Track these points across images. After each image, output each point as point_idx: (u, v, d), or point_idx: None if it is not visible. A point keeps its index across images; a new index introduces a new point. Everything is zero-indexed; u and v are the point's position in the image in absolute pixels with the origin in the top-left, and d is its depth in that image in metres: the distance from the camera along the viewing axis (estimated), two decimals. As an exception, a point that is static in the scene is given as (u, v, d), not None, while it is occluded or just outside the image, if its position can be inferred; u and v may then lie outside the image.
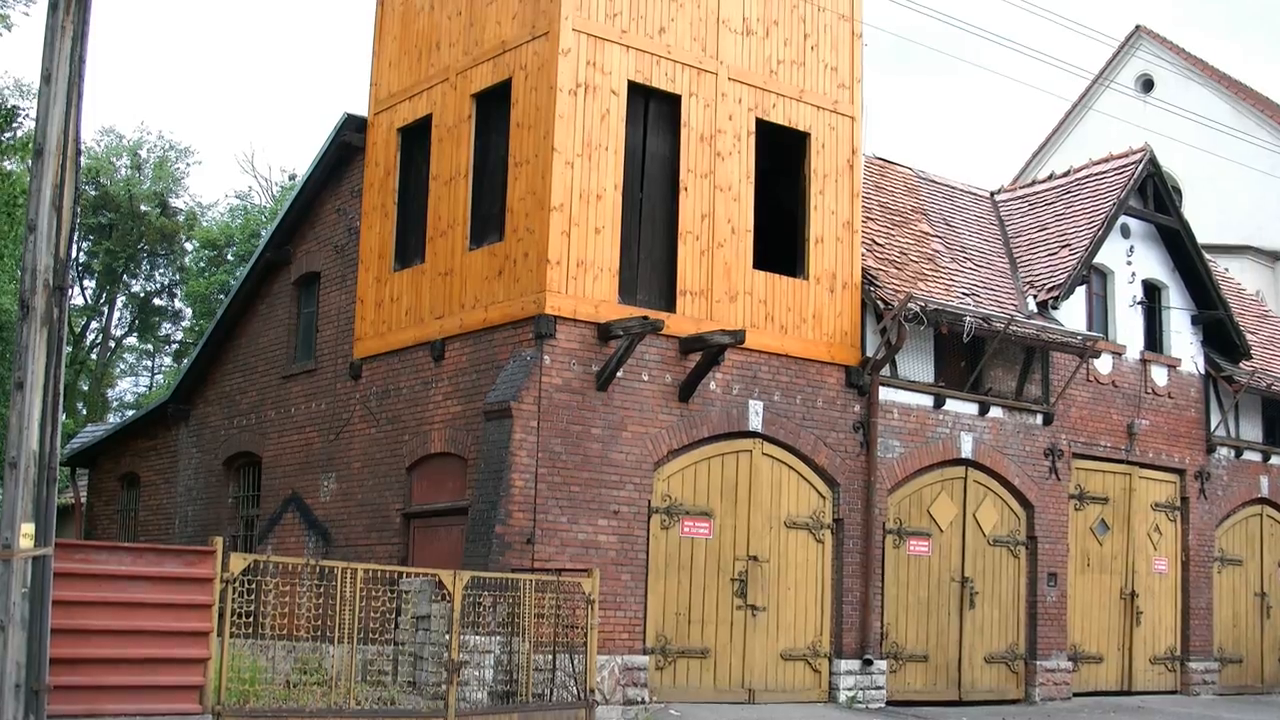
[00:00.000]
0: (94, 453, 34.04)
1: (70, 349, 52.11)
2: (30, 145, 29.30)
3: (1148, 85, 46.49)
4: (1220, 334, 30.55)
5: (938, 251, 27.36)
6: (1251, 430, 31.73)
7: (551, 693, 19.09)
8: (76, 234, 14.11)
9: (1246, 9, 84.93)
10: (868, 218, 26.23)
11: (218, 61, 79.50)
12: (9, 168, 34.75)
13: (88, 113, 14.64)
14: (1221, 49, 78.62)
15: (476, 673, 18.66)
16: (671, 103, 22.55)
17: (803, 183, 24.04)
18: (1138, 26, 47.13)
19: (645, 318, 20.84)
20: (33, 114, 34.29)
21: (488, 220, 22.50)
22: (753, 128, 23.29)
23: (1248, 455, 31.38)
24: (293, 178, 54.18)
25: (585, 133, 21.36)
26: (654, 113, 22.49)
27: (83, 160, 15.69)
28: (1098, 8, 79.76)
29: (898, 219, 27.60)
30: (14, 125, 36.21)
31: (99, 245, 55.55)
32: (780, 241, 23.95)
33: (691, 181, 22.43)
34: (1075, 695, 27.02)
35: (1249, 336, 31.53)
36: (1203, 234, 34.10)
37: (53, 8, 14.36)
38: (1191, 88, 45.08)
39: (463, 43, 23.47)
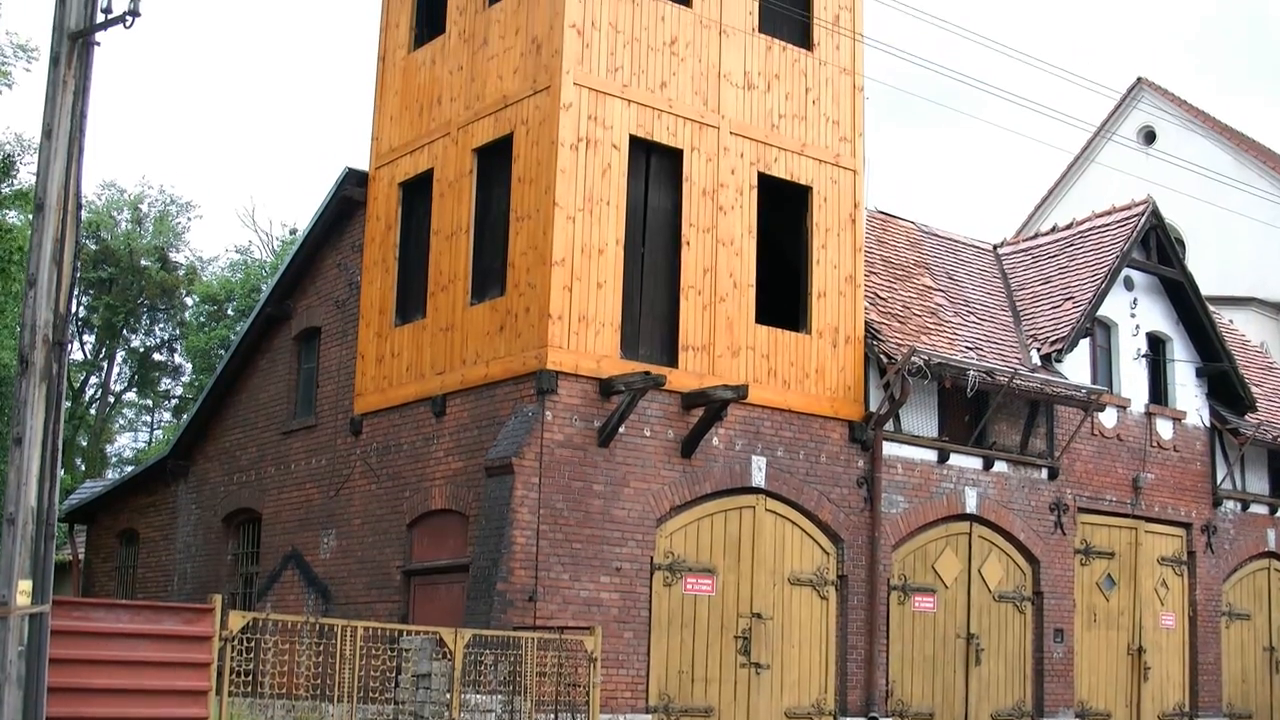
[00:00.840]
0: (92, 509, 33.86)
1: (69, 404, 52.00)
2: (30, 198, 29.32)
3: (1150, 137, 46.50)
4: (1225, 386, 30.41)
5: (941, 305, 27.26)
6: (1258, 483, 31.55)
7: (554, 753, 18.90)
8: (76, 289, 14.00)
9: (1247, 61, 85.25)
10: (870, 271, 26.14)
11: (219, 115, 79.75)
12: (10, 220, 34.70)
13: (89, 167, 14.54)
14: (1223, 101, 78.91)
15: (478, 732, 18.47)
16: (673, 157, 22.50)
17: (805, 236, 23.97)
18: (1139, 79, 47.17)
19: (647, 373, 20.73)
20: (33, 167, 34.30)
21: (489, 275, 22.42)
22: (755, 182, 23.24)
23: (1254, 508, 31.20)
24: (293, 232, 54.15)
25: (587, 187, 21.30)
26: (656, 167, 22.43)
27: (83, 214, 15.61)
28: (1099, 61, 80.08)
29: (900, 273, 27.51)
30: (13, 175, 36.21)
31: (99, 300, 55.47)
32: (783, 295, 23.87)
33: (693, 236, 22.36)
34: (1083, 752, 26.80)
35: (1254, 388, 31.38)
36: (1206, 285, 34.02)
37: (54, 62, 14.30)
38: (1193, 139, 45.08)
39: (464, 97, 23.44)
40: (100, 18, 14.70)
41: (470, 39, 23.57)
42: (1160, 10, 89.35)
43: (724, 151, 22.92)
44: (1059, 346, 27.04)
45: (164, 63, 78.52)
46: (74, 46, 14.50)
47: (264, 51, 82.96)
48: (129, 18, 14.60)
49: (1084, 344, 27.87)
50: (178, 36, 79.17)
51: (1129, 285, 29.15)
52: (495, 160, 22.69)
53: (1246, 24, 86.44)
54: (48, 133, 13.99)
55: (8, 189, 36.39)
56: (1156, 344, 29.82)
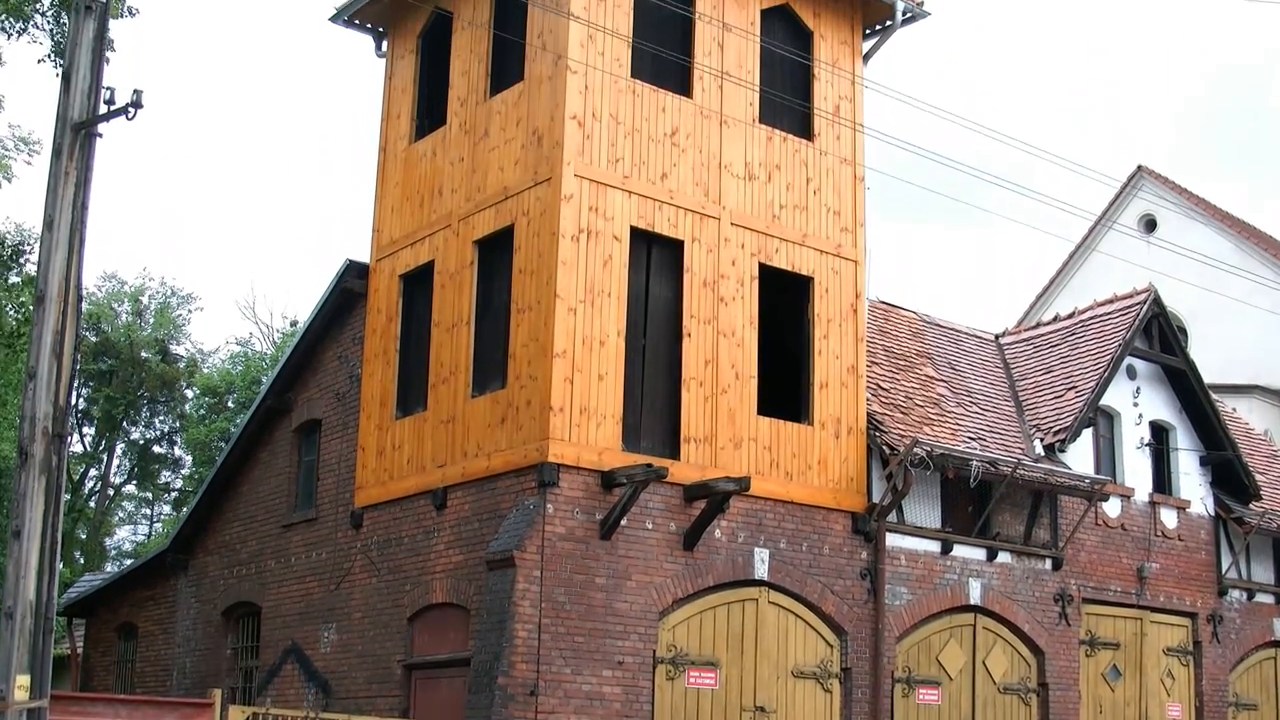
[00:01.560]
0: (91, 602, 33.62)
1: (68, 497, 51.81)
2: (31, 288, 29.27)
3: (1150, 225, 46.58)
4: (1229, 474, 30.28)
5: (943, 395, 27.20)
6: (1263, 572, 31.35)
7: None
8: (76, 381, 13.98)
9: (1246, 149, 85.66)
10: (872, 362, 26.09)
11: (220, 207, 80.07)
12: (10, 311, 34.68)
13: (90, 258, 14.58)
14: (1221, 187, 79.22)
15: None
16: (674, 248, 22.51)
17: (807, 327, 23.94)
18: (1139, 167, 47.30)
19: (649, 465, 20.65)
20: (33, 258, 34.30)
21: (490, 367, 22.37)
22: (756, 272, 23.24)
23: (1260, 598, 30.99)
24: (294, 324, 54.23)
25: (588, 278, 21.30)
26: (656, 258, 22.44)
27: (84, 306, 15.61)
28: (1099, 149, 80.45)
29: (902, 363, 27.47)
30: (20, 264, 36.20)
31: (99, 392, 55.44)
32: (784, 386, 23.80)
33: (695, 327, 22.33)
34: (1091, 847, 26.47)
35: (1259, 477, 31.24)
36: (1209, 373, 33.95)
37: (56, 154, 14.37)
38: (1194, 227, 45.15)
39: (465, 189, 23.48)
40: (103, 109, 14.79)
41: (471, 130, 23.65)
42: (1158, 98, 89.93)
43: (725, 242, 22.93)
44: (1062, 436, 26.96)
45: (164, 154, 78.95)
46: (76, 138, 14.60)
47: (265, 143, 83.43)
48: (131, 109, 14.70)
49: (1087, 433, 27.78)
50: (178, 128, 79.65)
51: (1131, 374, 29.10)
52: (496, 252, 22.70)
53: (1242, 110, 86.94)
54: (49, 224, 14.05)
55: (14, 279, 36.37)
56: (1160, 433, 29.73)
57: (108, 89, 14.97)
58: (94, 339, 54.19)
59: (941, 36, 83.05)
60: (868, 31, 25.90)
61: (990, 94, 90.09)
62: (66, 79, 15.02)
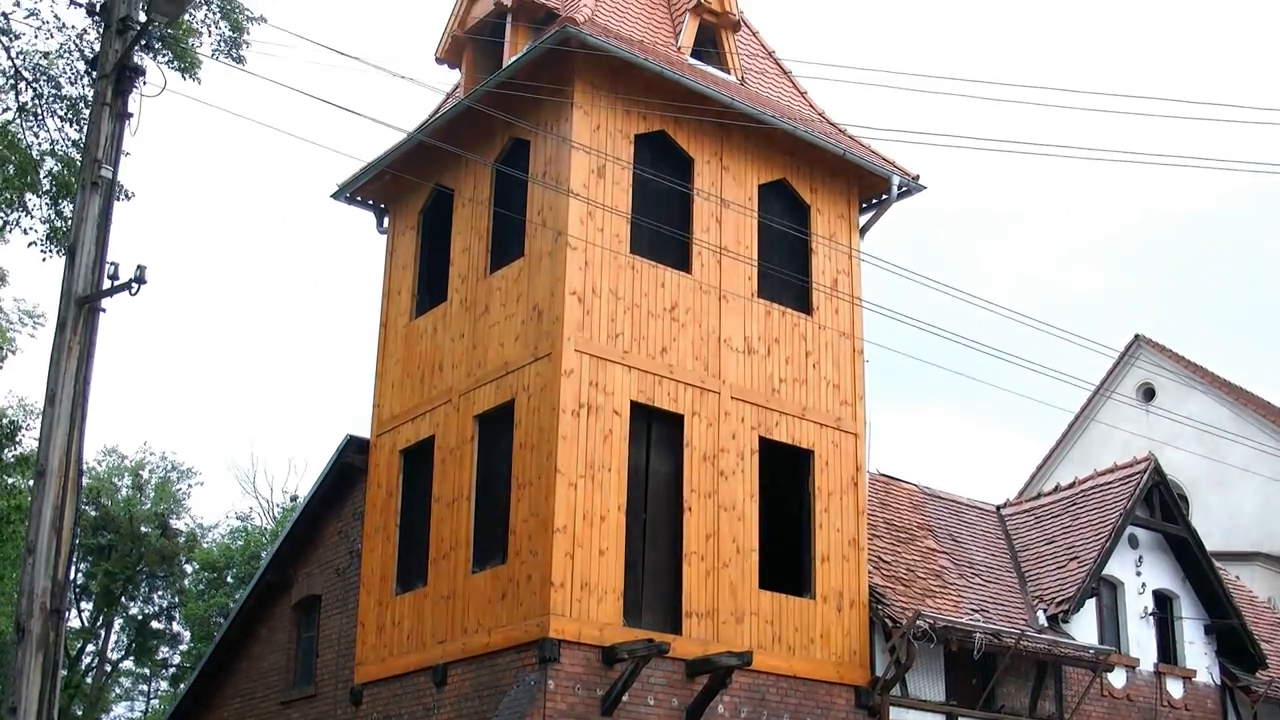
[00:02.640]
0: (87, 782, 33.25)
1: (65, 672, 51.33)
2: (30, 462, 29.26)
3: (1149, 394, 46.66)
4: (1234, 643, 30.05)
5: (945, 567, 27.10)
6: (1272, 743, 31.03)
7: None
8: (75, 555, 13.95)
9: (1243, 317, 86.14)
10: (874, 535, 26.02)
11: (221, 382, 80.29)
12: (9, 482, 34.68)
13: (90, 432, 14.60)
14: (1220, 356, 79.55)
15: None
16: (674, 422, 22.56)
17: (807, 500, 23.92)
18: (1137, 336, 47.48)
19: (651, 640, 20.53)
20: (34, 432, 34.31)
21: (490, 542, 22.31)
22: (756, 446, 23.27)
23: (1269, 769, 30.64)
24: (294, 499, 54.15)
25: (588, 453, 21.32)
26: (657, 432, 22.48)
27: (84, 481, 15.63)
28: (1096, 321, 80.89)
29: (904, 535, 27.40)
30: (17, 441, 36.23)
31: (97, 566, 55.15)
32: (786, 559, 23.71)
33: (695, 501, 22.31)
34: None
35: (1264, 644, 31.03)
36: (1211, 541, 33.86)
37: (60, 328, 14.45)
38: (1193, 395, 45.23)
39: (465, 364, 23.59)
40: (107, 284, 14.91)
41: (472, 306, 23.82)
42: (1155, 267, 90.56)
43: (725, 416, 23.00)
44: (1065, 607, 26.82)
45: (166, 328, 79.32)
46: (80, 313, 14.69)
47: (266, 318, 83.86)
48: (135, 285, 14.81)
49: (1090, 604, 27.62)
50: (180, 302, 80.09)
51: (1134, 543, 29.02)
52: (497, 427, 22.75)
53: (1237, 278, 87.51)
54: (51, 398, 14.09)
55: (10, 455, 36.39)
56: (1164, 602, 29.57)
57: (111, 264, 15.11)
58: (94, 513, 54.03)
59: (938, 205, 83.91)
60: (864, 205, 26.23)
61: (988, 261, 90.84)
62: (71, 254, 15.16)
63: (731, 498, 22.72)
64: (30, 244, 22.58)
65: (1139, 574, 29.02)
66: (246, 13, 22.04)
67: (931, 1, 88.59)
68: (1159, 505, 29.60)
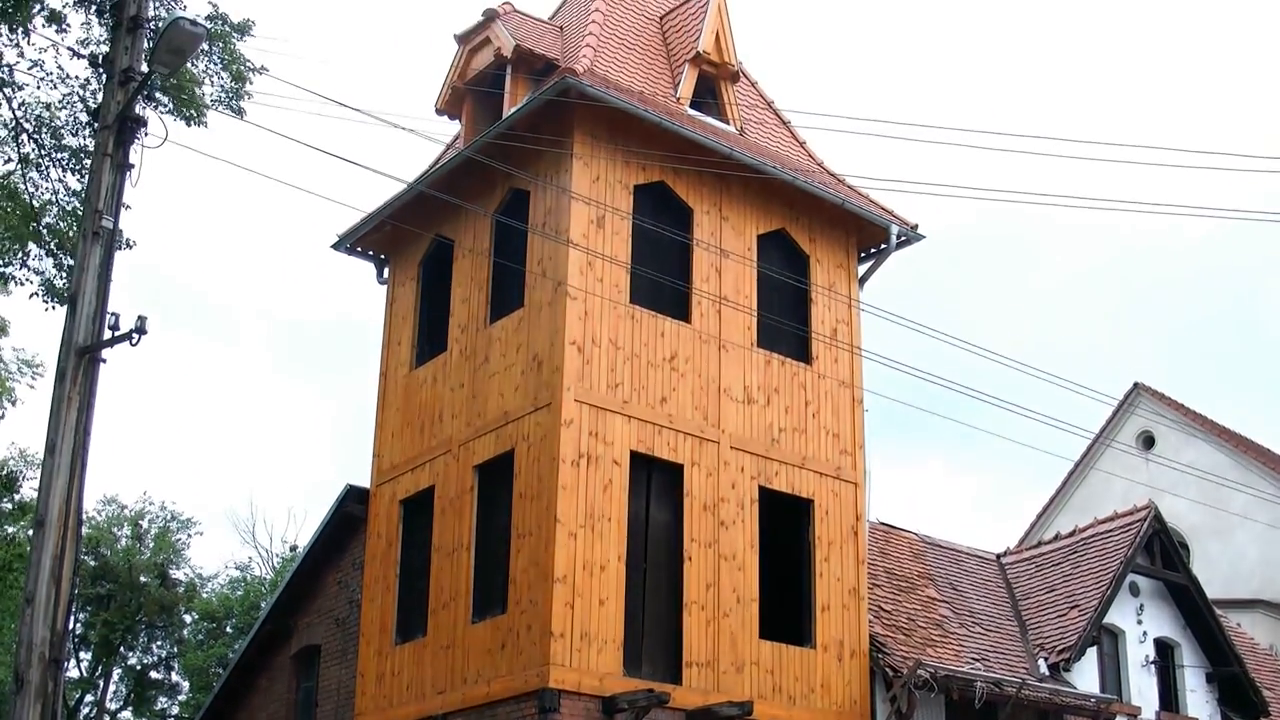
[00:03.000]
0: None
1: (65, 723, 51.14)
2: (29, 512, 29.27)
3: (1149, 442, 46.66)
4: (1236, 690, 29.99)
5: (946, 616, 27.05)
6: (1275, 791, 30.91)
7: None
8: (74, 605, 13.91)
9: (1240, 363, 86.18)
10: (874, 584, 25.98)
11: (220, 430, 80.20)
12: (9, 532, 34.73)
13: (90, 482, 14.61)
14: (1218, 404, 79.60)
15: None
16: (674, 472, 22.56)
17: (807, 549, 23.90)
18: (1136, 384, 47.50)
19: (651, 690, 20.49)
20: (33, 482, 34.31)
21: (490, 592, 22.28)
22: (756, 495, 23.26)
23: (1273, 818, 30.50)
24: (294, 549, 54.08)
25: (588, 503, 21.31)
26: (657, 482, 22.47)
27: (83, 530, 15.63)
28: (1095, 369, 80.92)
29: (904, 584, 27.36)
30: (16, 491, 36.27)
31: (96, 616, 55.03)
32: (786, 609, 23.67)
33: (695, 551, 22.28)
34: None
35: (1266, 692, 30.95)
36: (1212, 589, 33.82)
37: (60, 378, 14.47)
38: (1193, 443, 45.23)
39: (465, 414, 23.60)
40: (107, 334, 14.94)
41: (472, 356, 23.84)
42: (1153, 316, 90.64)
43: (725, 466, 22.99)
44: (1066, 655, 26.77)
45: (166, 377, 79.32)
46: (80, 363, 14.71)
47: (265, 367, 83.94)
48: (135, 335, 14.85)
49: (1091, 652, 27.57)
50: (178, 352, 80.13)
51: (1134, 591, 28.98)
52: (496, 477, 22.74)
53: (1238, 327, 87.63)
54: (51, 448, 14.10)
55: (9, 505, 36.43)
56: (1165, 649, 29.52)
57: (112, 314, 15.15)
58: (93, 563, 53.95)
59: (937, 254, 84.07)
60: (863, 254, 26.29)
61: (988, 308, 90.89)
62: (72, 304, 15.21)
63: (731, 547, 22.69)
64: (31, 295, 22.65)
65: (1140, 622, 28.98)
66: (247, 63, 22.10)
67: (929, 52, 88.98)
68: (1160, 553, 29.58)
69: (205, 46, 20.99)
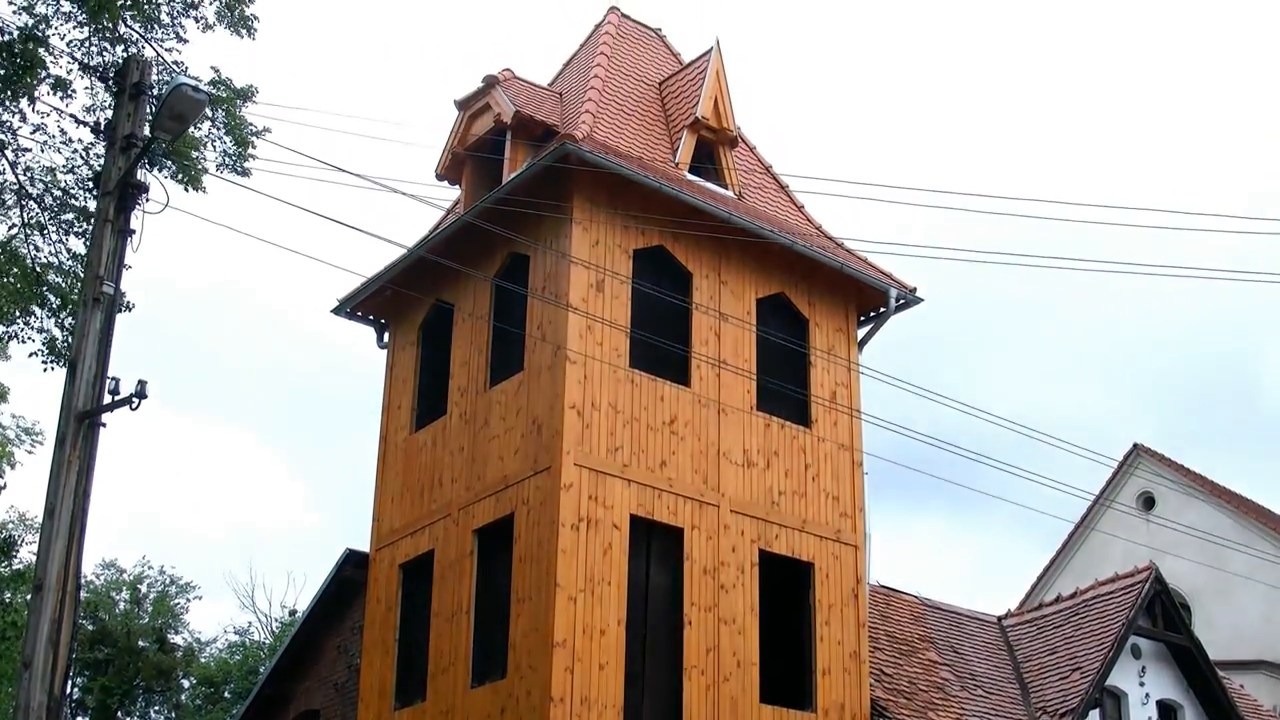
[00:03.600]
0: None
1: (62, 789, 50.78)
2: (27, 577, 29.18)
3: (1149, 503, 46.56)
4: (1240, 753, 29.88)
5: (947, 679, 26.95)
6: None
7: None
8: (72, 670, 13.88)
9: (1239, 424, 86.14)
10: (875, 647, 25.90)
11: (220, 493, 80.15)
12: (6, 597, 34.65)
13: (89, 546, 14.61)
14: (1218, 464, 79.43)
15: None
16: (674, 535, 22.52)
17: (808, 613, 23.84)
18: (1135, 445, 47.44)
19: (652, 756, 20.40)
20: (31, 546, 34.25)
21: (490, 657, 22.20)
22: (756, 559, 23.22)
23: None
24: (293, 613, 53.94)
25: (588, 567, 21.27)
26: (656, 545, 22.43)
27: (82, 595, 15.60)
28: (1094, 431, 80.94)
29: (905, 648, 27.28)
30: (14, 555, 36.20)
31: (94, 681, 54.85)
32: (787, 672, 23.59)
33: (695, 615, 22.22)
34: None
35: (1269, 755, 30.85)
36: (1214, 650, 33.69)
37: (59, 443, 14.49)
38: (1193, 504, 45.13)
39: (465, 478, 23.58)
40: (108, 399, 14.97)
41: (471, 420, 23.85)
42: (1153, 377, 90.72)
43: (724, 529, 22.96)
44: (1069, 718, 26.63)
45: (165, 441, 79.28)
46: (80, 427, 14.73)
47: (264, 430, 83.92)
48: (135, 400, 14.88)
49: (1094, 715, 27.43)
50: (178, 416, 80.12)
51: (1136, 653, 28.89)
52: (496, 541, 22.71)
53: (1238, 388, 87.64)
54: (50, 512, 14.10)
55: (6, 569, 36.36)
56: (1168, 712, 29.37)
57: (112, 379, 15.18)
58: (91, 627, 53.84)
59: (935, 316, 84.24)
60: (862, 318, 26.34)
61: (986, 372, 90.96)
62: (72, 369, 15.24)
63: (732, 611, 22.63)
64: (31, 354, 22.72)
65: (1142, 684, 28.86)
66: (250, 127, 22.18)
67: (925, 116, 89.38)
68: (1161, 614, 29.49)
69: (208, 112, 21.08)
